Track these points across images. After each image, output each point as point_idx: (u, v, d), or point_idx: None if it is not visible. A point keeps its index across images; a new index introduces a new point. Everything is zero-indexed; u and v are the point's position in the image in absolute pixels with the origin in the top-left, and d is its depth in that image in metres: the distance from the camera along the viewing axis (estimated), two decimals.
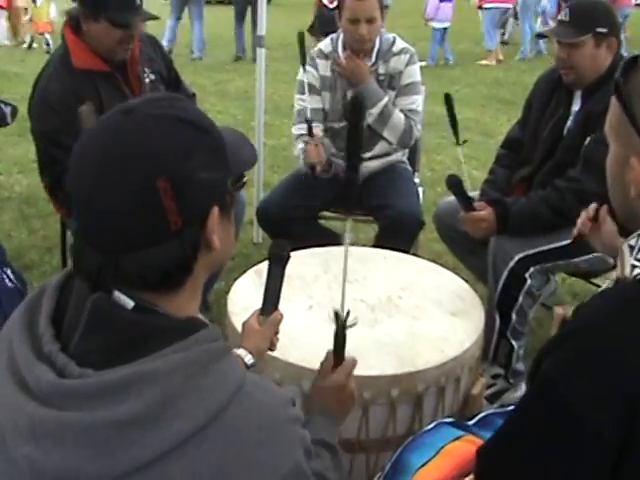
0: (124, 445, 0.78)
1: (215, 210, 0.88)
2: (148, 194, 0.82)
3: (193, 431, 0.79)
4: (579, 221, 1.82)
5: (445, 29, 10.28)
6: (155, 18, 2.40)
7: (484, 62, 10.42)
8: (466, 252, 2.78)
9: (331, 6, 9.98)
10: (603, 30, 2.26)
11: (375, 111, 2.77)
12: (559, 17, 2.36)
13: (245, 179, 1.02)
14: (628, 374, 0.92)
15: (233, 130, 1.02)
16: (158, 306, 0.88)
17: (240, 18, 10.15)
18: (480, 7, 10.38)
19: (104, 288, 0.86)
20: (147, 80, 2.47)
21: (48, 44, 10.72)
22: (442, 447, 1.43)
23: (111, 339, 0.84)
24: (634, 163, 1.05)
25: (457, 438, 1.47)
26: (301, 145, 2.82)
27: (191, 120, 0.87)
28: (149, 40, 2.57)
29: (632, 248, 1.09)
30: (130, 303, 0.86)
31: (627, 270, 1.08)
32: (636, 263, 1.06)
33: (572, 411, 0.93)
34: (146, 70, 2.48)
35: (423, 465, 1.39)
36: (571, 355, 0.97)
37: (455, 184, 2.28)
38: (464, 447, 1.43)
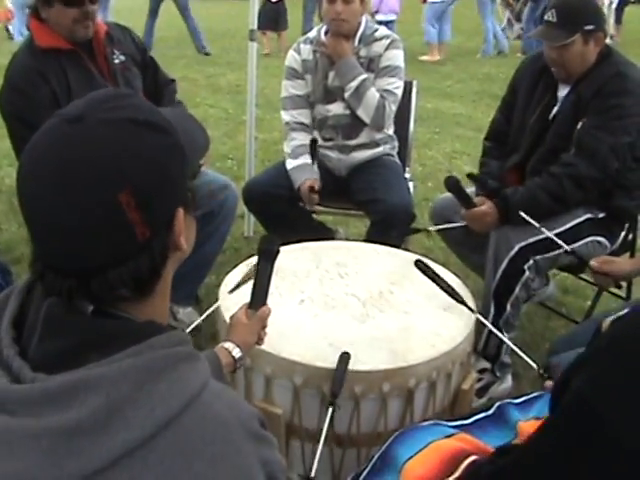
0: (70, 453, 0.74)
1: (180, 212, 0.84)
2: (111, 210, 0.76)
3: (140, 441, 0.75)
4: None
5: (391, 21, 9.91)
6: None
7: (425, 57, 10.00)
8: (464, 247, 2.79)
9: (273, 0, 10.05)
10: (590, 27, 2.28)
11: (354, 84, 2.83)
12: (545, 17, 2.35)
13: (201, 164, 0.97)
14: None
15: (182, 115, 0.98)
16: (128, 313, 0.84)
17: (153, 13, 9.64)
18: (424, 1, 10.04)
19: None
20: (117, 61, 2.47)
21: (7, 31, 11.25)
22: (430, 442, 1.43)
23: (65, 343, 0.80)
24: None
25: (449, 436, 1.46)
26: (297, 162, 2.92)
27: (145, 120, 0.82)
28: (118, 27, 2.59)
29: None
30: (89, 307, 0.82)
31: None
32: None
33: (606, 430, 0.91)
34: (115, 51, 2.48)
35: (410, 458, 1.39)
36: (605, 372, 0.95)
37: (453, 185, 2.28)
38: (451, 444, 1.41)
